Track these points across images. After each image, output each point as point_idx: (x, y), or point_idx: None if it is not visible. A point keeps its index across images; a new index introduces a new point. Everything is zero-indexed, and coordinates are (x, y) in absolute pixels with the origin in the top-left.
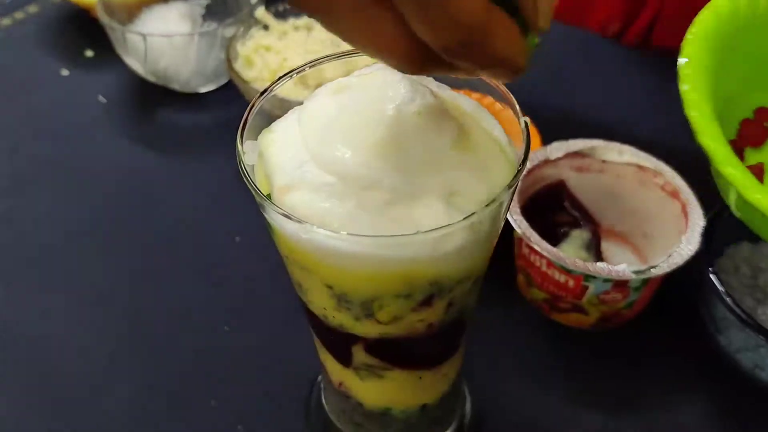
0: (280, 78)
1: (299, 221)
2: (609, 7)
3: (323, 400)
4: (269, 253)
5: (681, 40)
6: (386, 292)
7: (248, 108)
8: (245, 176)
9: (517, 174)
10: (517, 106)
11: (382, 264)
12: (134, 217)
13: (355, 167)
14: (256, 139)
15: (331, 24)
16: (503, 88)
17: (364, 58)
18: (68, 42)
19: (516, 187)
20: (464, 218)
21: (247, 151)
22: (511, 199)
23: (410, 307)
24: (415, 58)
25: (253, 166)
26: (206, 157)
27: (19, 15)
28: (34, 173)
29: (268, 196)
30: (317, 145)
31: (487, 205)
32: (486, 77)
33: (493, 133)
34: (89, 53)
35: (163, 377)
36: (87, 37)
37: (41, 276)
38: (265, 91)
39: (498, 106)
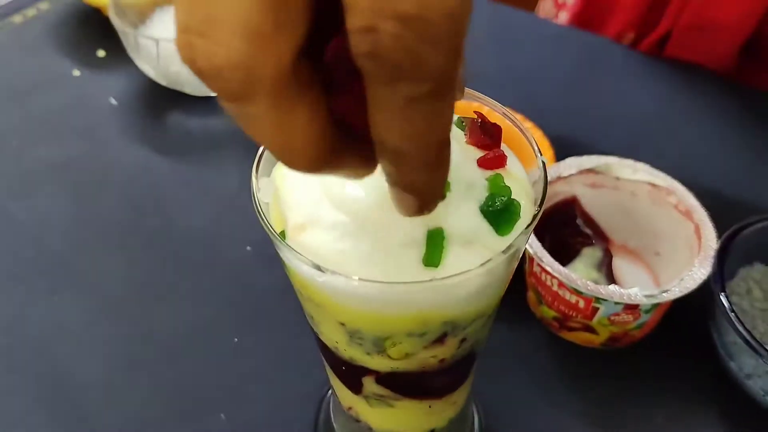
0: None
1: (315, 267)
2: (625, 18)
3: (332, 419)
4: (281, 265)
5: (693, 54)
6: (399, 331)
7: None
8: (260, 216)
9: (533, 219)
10: (536, 145)
11: (395, 307)
12: (143, 223)
13: (370, 208)
14: (270, 168)
15: (243, 113)
16: (515, 119)
17: None
18: (80, 41)
19: (531, 231)
20: (480, 265)
21: (262, 188)
22: (528, 239)
23: (423, 345)
24: (321, 159)
25: (268, 203)
26: (217, 162)
27: (30, 12)
28: (43, 175)
29: (282, 234)
30: (332, 183)
31: (504, 251)
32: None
33: (513, 173)
34: (101, 53)
35: (172, 387)
36: (99, 37)
37: (49, 280)
38: None
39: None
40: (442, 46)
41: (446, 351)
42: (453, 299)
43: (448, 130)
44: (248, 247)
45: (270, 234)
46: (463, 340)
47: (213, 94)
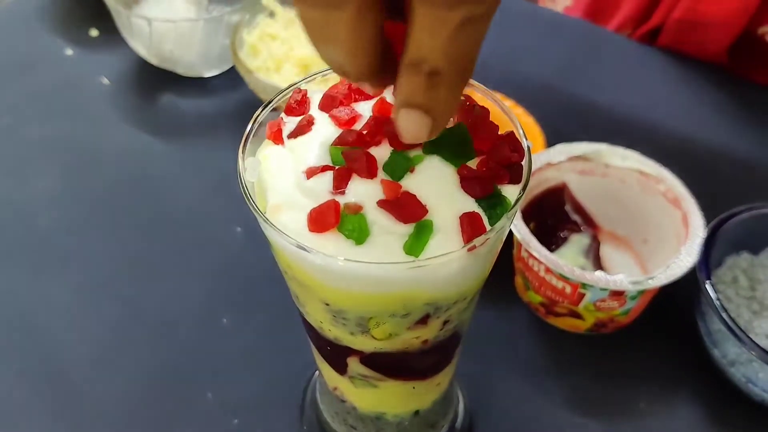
0: (284, 90)
1: (299, 246)
2: (627, 13)
3: (318, 400)
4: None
5: (684, 49)
6: (382, 311)
7: (251, 121)
8: (245, 194)
9: (516, 202)
10: (521, 129)
11: (378, 287)
12: (134, 202)
13: (343, 198)
14: (256, 149)
15: (326, 18)
16: (498, 100)
17: None
18: (73, 20)
19: (515, 214)
20: (462, 248)
21: (248, 167)
22: (512, 221)
23: (406, 326)
24: (375, 67)
25: (253, 183)
26: (209, 142)
27: None
28: (34, 154)
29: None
30: (302, 168)
31: (485, 234)
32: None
33: None
34: (94, 33)
35: (160, 367)
36: (92, 16)
37: (38, 259)
38: (268, 103)
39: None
40: None
41: (429, 332)
42: (435, 281)
43: (479, 50)
44: (239, 228)
45: (255, 213)
46: (446, 322)
47: (205, 75)
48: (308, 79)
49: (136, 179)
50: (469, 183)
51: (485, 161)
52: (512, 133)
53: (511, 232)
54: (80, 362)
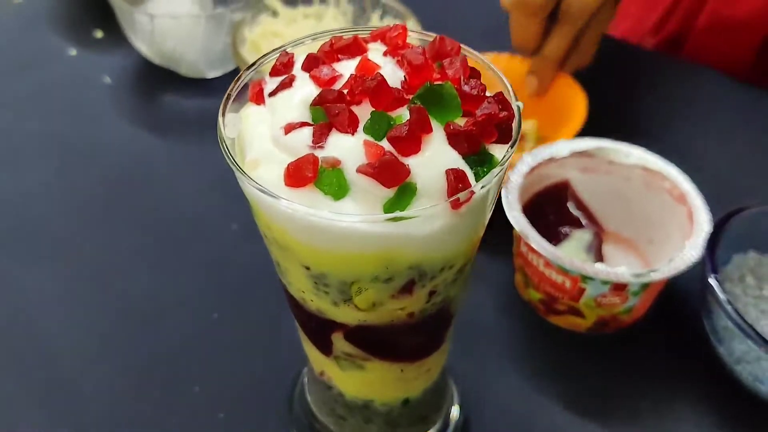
0: (270, 52)
1: (276, 196)
2: (632, 20)
3: (306, 392)
4: (263, 240)
5: (711, 55)
6: (364, 274)
7: (234, 80)
8: (224, 148)
9: (504, 160)
10: (511, 90)
11: (358, 244)
12: (133, 199)
13: (322, 152)
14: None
15: None
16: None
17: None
18: (78, 21)
19: (503, 174)
20: (447, 201)
21: (229, 123)
22: (499, 187)
23: (389, 293)
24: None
25: (234, 139)
26: (209, 143)
27: None
28: (35, 151)
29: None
30: (280, 124)
31: (473, 189)
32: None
33: None
34: (99, 34)
35: (148, 359)
36: (97, 17)
37: (37, 254)
38: (253, 64)
39: None
40: None
41: (415, 303)
42: (418, 239)
43: None
44: (234, 226)
45: (232, 166)
46: (432, 293)
47: (208, 76)
48: (296, 42)
49: (134, 177)
50: (455, 138)
51: (473, 119)
52: (501, 93)
53: (512, 229)
54: (69, 353)
